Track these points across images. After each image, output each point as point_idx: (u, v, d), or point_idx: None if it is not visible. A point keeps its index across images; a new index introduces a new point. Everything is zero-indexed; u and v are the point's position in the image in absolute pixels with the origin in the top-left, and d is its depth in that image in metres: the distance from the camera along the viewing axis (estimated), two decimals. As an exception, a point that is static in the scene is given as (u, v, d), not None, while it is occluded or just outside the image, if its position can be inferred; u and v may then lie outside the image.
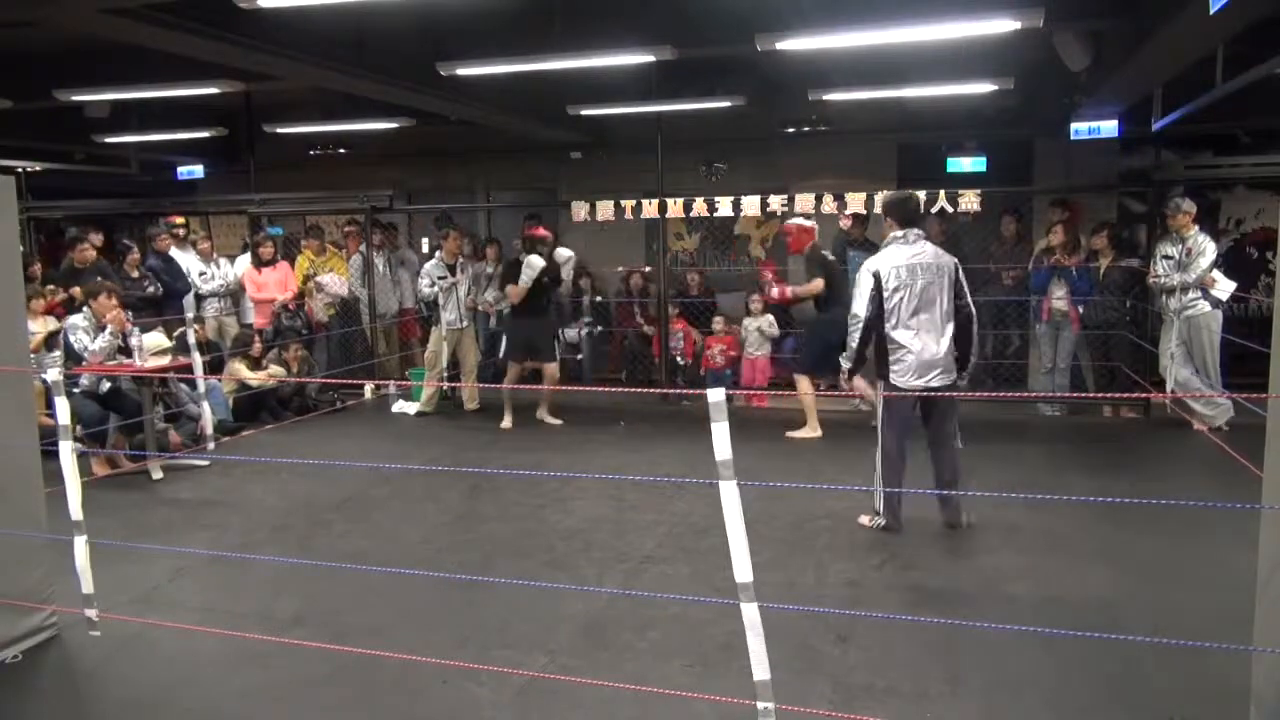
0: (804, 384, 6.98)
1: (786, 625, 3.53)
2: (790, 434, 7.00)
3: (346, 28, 6.49)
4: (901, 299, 4.56)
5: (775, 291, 7.23)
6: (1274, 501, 2.54)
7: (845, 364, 4.80)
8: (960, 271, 4.65)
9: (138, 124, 9.72)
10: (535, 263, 7.30)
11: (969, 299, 4.64)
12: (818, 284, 6.77)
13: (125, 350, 6.21)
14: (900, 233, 4.70)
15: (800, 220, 7.12)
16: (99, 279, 7.65)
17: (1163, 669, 3.24)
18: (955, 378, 4.64)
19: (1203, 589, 3.96)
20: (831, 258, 7.06)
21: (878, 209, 7.56)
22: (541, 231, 7.65)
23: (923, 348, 4.55)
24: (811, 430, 7.01)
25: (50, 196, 11.49)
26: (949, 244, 6.67)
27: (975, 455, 6.22)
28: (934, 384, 4.56)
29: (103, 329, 6.11)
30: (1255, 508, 2.67)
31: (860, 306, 4.63)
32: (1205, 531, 4.57)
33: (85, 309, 6.25)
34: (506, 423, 7.58)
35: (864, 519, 4.87)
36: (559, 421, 7.65)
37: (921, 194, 7.28)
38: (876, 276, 4.59)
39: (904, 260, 4.59)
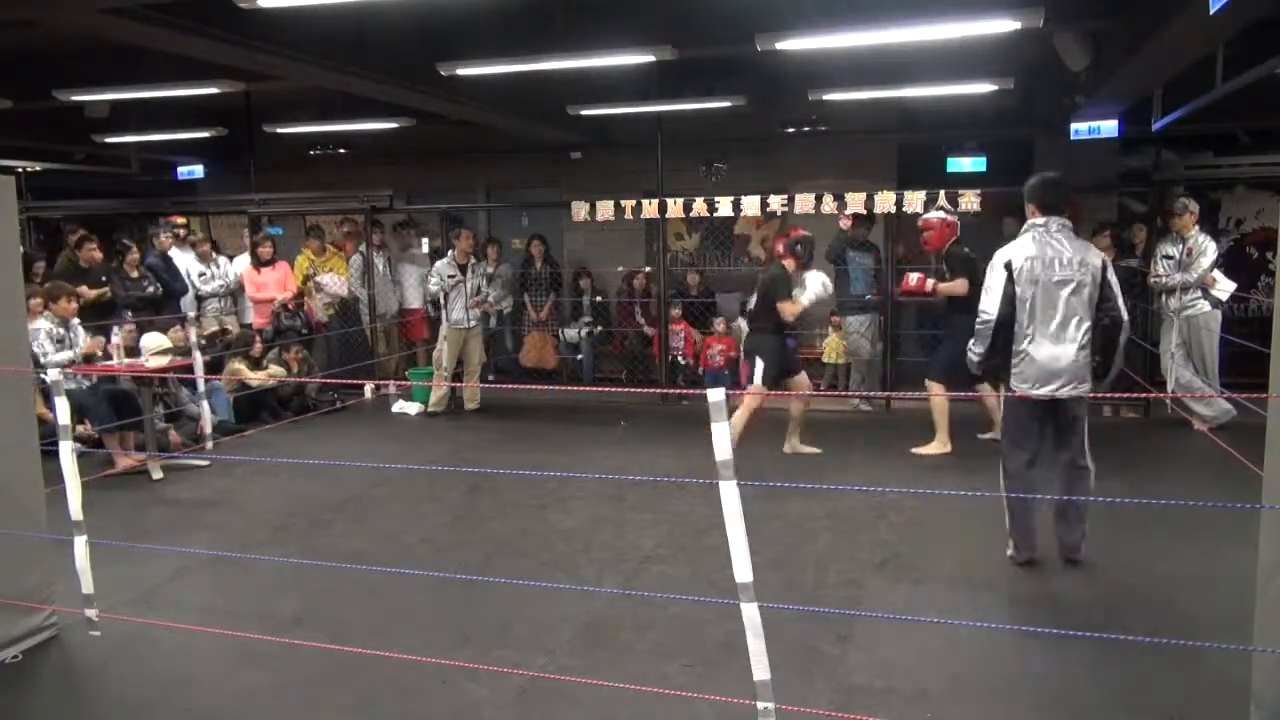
0: (935, 389, 6.30)
1: (786, 625, 3.53)
2: (917, 450, 6.38)
3: (346, 28, 6.49)
4: (1032, 296, 4.03)
5: (915, 280, 6.36)
6: (1274, 501, 2.54)
7: (973, 368, 4.37)
8: (1110, 271, 4.09)
9: (138, 124, 9.72)
10: (829, 284, 6.42)
11: (1119, 303, 4.08)
12: (962, 283, 6.09)
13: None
14: (1041, 220, 4.13)
15: (941, 214, 6.47)
16: (104, 279, 7.71)
17: (1163, 669, 3.24)
18: (1087, 387, 4.06)
19: (1203, 589, 3.97)
20: (974, 256, 6.27)
21: (878, 209, 7.60)
22: (804, 231, 6.60)
23: (1048, 354, 4.01)
24: (941, 445, 6.35)
25: (50, 196, 11.51)
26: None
27: (974, 454, 6.24)
28: (1061, 394, 4.03)
29: (66, 329, 6.25)
30: (1255, 508, 2.68)
31: (991, 304, 4.12)
32: (1205, 531, 4.57)
33: (47, 312, 6.26)
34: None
35: (1009, 550, 4.33)
36: (818, 450, 6.55)
37: (921, 194, 7.36)
38: (1009, 269, 4.07)
39: (1039, 252, 4.05)
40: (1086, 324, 4.03)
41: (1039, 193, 4.19)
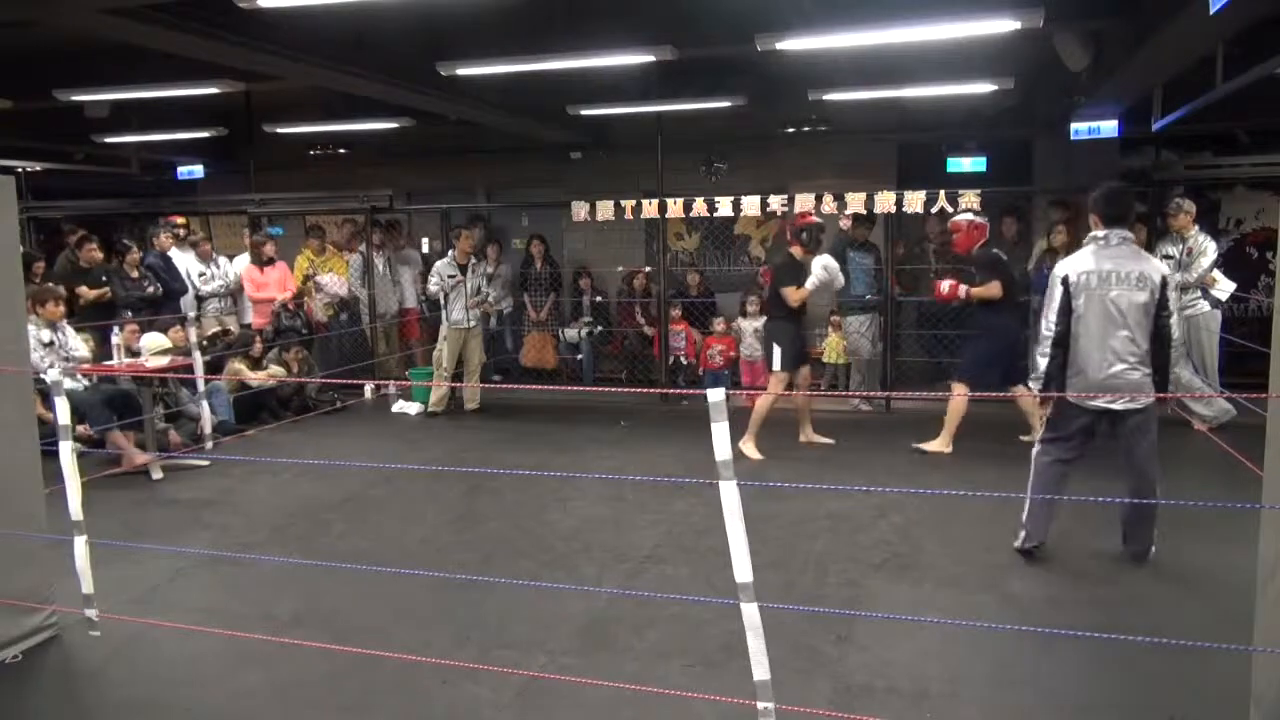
0: (959, 389, 6.24)
1: (786, 625, 3.53)
2: (918, 445, 6.38)
3: (346, 28, 6.49)
4: (1087, 309, 4.04)
5: (946, 287, 6.30)
6: (1274, 501, 2.54)
7: (1034, 386, 4.28)
8: (1169, 287, 4.07)
9: (138, 124, 9.73)
10: (833, 266, 6.44)
11: (1172, 320, 4.09)
12: (995, 286, 6.08)
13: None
14: (1102, 233, 4.11)
15: (970, 216, 6.42)
16: (104, 279, 7.71)
17: (1163, 669, 3.24)
18: (1148, 400, 4.03)
19: (1203, 589, 3.97)
20: (1005, 257, 6.40)
21: (878, 209, 7.59)
22: (813, 218, 6.67)
23: (1100, 364, 4.03)
24: (943, 445, 6.31)
25: (50, 196, 11.51)
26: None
27: (975, 454, 6.24)
28: (1115, 405, 4.04)
29: (54, 331, 6.24)
30: (1255, 507, 2.67)
31: (1050, 321, 4.12)
32: (1205, 531, 4.57)
33: (34, 316, 6.17)
34: (754, 452, 6.33)
35: (1017, 540, 4.37)
36: (830, 440, 6.73)
37: (921, 194, 7.36)
38: (1066, 283, 4.08)
39: (1098, 265, 4.05)
40: (1142, 338, 4.01)
41: (1101, 204, 4.15)
